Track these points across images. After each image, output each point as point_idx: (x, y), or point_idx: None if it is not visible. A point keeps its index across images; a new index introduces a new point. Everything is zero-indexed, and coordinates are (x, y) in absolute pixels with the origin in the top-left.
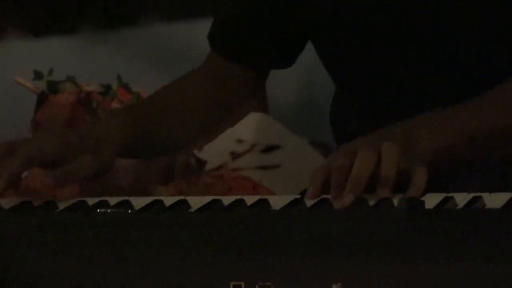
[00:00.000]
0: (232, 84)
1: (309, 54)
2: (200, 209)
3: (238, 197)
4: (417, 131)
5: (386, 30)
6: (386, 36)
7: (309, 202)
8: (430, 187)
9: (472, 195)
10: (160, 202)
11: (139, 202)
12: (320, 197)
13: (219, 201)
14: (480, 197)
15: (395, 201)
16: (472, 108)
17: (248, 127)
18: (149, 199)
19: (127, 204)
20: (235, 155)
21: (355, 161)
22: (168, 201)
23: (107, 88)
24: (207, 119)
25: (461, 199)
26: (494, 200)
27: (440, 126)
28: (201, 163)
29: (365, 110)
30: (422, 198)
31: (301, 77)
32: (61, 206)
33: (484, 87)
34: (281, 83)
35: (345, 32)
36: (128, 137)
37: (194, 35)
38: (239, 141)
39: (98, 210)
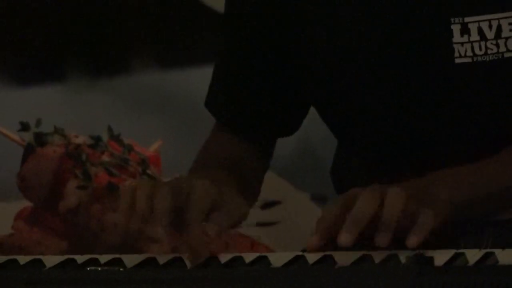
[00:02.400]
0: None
1: None
2: (196, 267)
3: (236, 254)
4: (434, 188)
5: (389, 95)
6: (391, 100)
7: (311, 259)
8: (440, 242)
9: (484, 251)
10: (154, 260)
11: (131, 259)
12: (323, 254)
13: (216, 258)
14: (492, 253)
15: (402, 258)
16: (488, 165)
17: None
18: (142, 256)
19: (118, 262)
20: None
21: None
22: (162, 258)
23: (97, 140)
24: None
25: (473, 255)
26: (508, 256)
27: (458, 182)
28: None
29: (371, 167)
30: (431, 255)
31: (301, 128)
32: (49, 263)
33: (490, 145)
34: None
35: (347, 96)
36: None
37: (187, 83)
38: None
39: (88, 268)
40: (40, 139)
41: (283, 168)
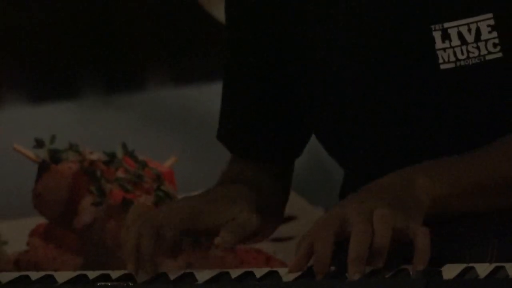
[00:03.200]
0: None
1: None
2: (207, 282)
3: (247, 269)
4: (415, 179)
5: (378, 104)
6: (380, 109)
7: (319, 275)
8: (447, 257)
9: (494, 265)
10: (165, 275)
11: (142, 275)
12: (334, 268)
13: (227, 273)
14: (502, 267)
15: (412, 272)
16: (472, 158)
17: None
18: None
19: (129, 277)
20: None
21: (350, 236)
22: (173, 274)
23: (111, 157)
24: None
25: (483, 270)
26: None
27: (440, 174)
28: None
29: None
30: (440, 269)
31: (312, 143)
32: (60, 279)
33: (477, 145)
34: None
35: (340, 112)
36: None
37: (201, 99)
38: None
39: (99, 284)
40: (55, 156)
41: (296, 183)
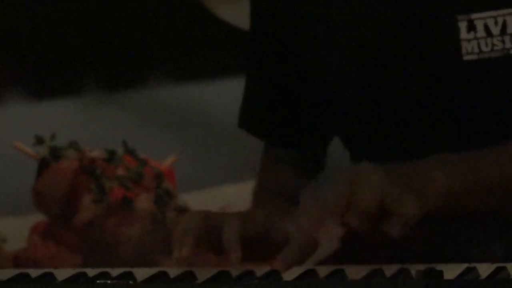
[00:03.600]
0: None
1: None
2: (207, 281)
3: (248, 268)
4: (430, 171)
5: (395, 95)
6: (397, 100)
7: (322, 273)
8: (448, 256)
9: (496, 265)
10: (165, 273)
11: (142, 273)
12: (335, 268)
13: (227, 272)
14: (504, 267)
15: (414, 272)
16: (488, 153)
17: None
18: (153, 270)
19: (129, 275)
20: None
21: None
22: (174, 272)
23: (111, 154)
24: None
25: (484, 269)
26: None
27: (456, 169)
28: None
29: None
30: (442, 269)
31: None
32: (60, 277)
33: (494, 141)
34: None
35: (356, 97)
36: None
37: (201, 97)
38: None
39: (98, 281)
40: (55, 153)
41: None
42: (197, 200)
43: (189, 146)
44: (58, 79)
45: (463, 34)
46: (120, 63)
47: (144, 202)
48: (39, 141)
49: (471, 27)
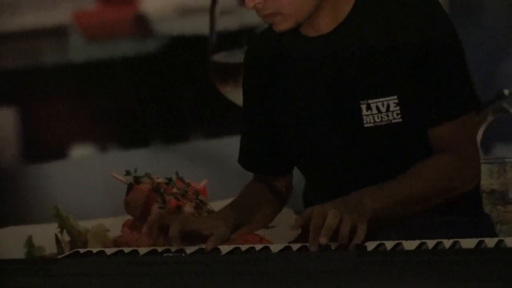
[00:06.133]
0: (273, 185)
1: None
2: (228, 253)
3: (252, 245)
4: (362, 198)
5: (324, 152)
6: (327, 155)
7: (294, 246)
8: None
9: (395, 242)
10: (202, 249)
11: (188, 250)
12: (302, 245)
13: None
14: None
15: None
16: (398, 181)
17: None
18: (194, 248)
19: (182, 251)
20: None
21: (327, 216)
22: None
23: (169, 180)
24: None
25: (390, 245)
26: (411, 245)
27: (376, 194)
28: None
29: (326, 193)
30: (365, 244)
31: None
32: (141, 252)
33: (400, 171)
34: None
35: (311, 163)
36: (236, 218)
37: (228, 148)
38: None
39: (165, 255)
40: (137, 180)
41: None
42: (221, 206)
43: (215, 174)
44: (137, 136)
45: (364, 111)
46: (175, 123)
47: (188, 208)
48: (128, 173)
49: (369, 107)
